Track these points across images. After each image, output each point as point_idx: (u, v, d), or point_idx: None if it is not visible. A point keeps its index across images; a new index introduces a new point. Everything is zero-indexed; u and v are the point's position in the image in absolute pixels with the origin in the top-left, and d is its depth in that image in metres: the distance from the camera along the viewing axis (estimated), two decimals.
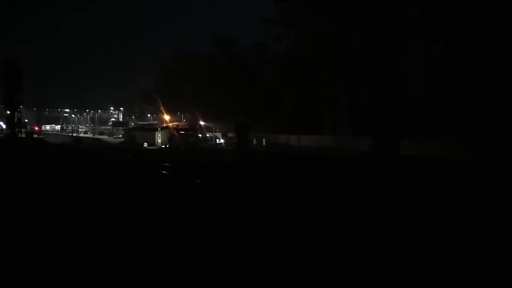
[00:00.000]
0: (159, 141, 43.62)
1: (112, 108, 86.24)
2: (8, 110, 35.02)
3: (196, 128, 46.10)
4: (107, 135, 75.09)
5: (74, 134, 73.97)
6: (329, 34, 42.39)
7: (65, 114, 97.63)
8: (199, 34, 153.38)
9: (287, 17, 48.88)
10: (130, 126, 68.17)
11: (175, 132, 43.13)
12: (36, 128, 79.58)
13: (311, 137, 42.06)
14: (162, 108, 62.94)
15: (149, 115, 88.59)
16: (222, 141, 49.43)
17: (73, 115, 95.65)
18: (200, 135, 45.68)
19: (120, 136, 67.39)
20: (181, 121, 71.86)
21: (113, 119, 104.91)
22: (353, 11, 39.64)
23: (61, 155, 23.56)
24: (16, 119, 36.10)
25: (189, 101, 67.59)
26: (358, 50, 38.97)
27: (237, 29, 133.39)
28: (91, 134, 79.25)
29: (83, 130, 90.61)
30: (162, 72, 76.16)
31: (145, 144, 42.55)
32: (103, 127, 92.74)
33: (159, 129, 43.99)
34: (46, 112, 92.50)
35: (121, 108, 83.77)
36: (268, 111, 54.78)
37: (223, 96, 59.95)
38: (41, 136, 53.84)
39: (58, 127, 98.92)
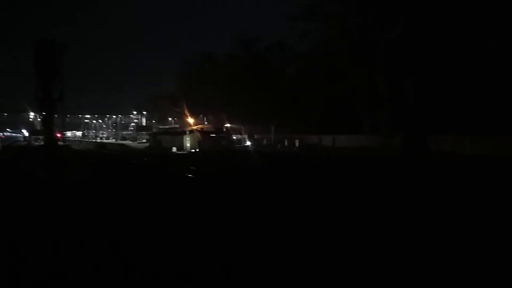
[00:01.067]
0: (188, 145, 41.85)
1: (135, 112, 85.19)
2: (43, 111, 28.97)
3: (223, 131, 44.23)
4: (130, 140, 73.86)
5: (98, 140, 73.06)
6: (365, 27, 40.10)
7: (86, 120, 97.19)
8: (219, 35, 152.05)
9: (315, 12, 46.87)
10: (154, 130, 66.73)
11: (205, 135, 41.20)
12: (59, 135, 79.12)
13: (349, 137, 39.63)
14: (186, 111, 61.45)
15: (170, 118, 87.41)
16: (248, 143, 47.33)
17: (94, 121, 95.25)
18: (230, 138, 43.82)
19: (144, 141, 66.06)
20: (203, 123, 70.34)
21: (134, 124, 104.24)
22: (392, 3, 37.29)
23: (97, 164, 21.90)
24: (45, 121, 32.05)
25: (212, 103, 66.13)
26: (400, 42, 36.55)
27: (255, 29, 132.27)
28: (114, 140, 78.26)
29: (105, 135, 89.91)
30: (183, 74, 74.96)
31: (174, 149, 40.83)
32: (125, 132, 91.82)
33: (187, 132, 42.17)
34: (68, 119, 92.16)
35: (144, 112, 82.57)
36: (294, 111, 52.72)
37: (247, 96, 58.25)
38: (67, 143, 52.50)
39: (79, 133, 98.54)
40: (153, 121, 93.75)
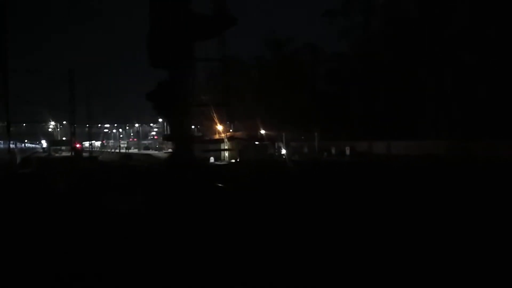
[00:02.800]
0: (226, 154, 37.69)
1: (160, 119, 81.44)
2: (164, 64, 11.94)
3: (268, 138, 39.96)
4: (155, 150, 69.99)
5: (122, 151, 69.37)
6: (422, 18, 35.81)
7: (105, 130, 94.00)
8: (238, 38, 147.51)
9: (355, 6, 43.07)
10: None
11: (247, 143, 36.81)
12: (78, 145, 75.91)
13: (409, 143, 34.94)
14: (215, 117, 57.44)
15: (192, 126, 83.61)
16: (283, 151, 42.87)
17: (114, 130, 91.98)
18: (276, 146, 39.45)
19: (170, 150, 62.10)
20: (228, 130, 66.22)
21: (153, 133, 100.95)
22: None
23: (145, 178, 17.88)
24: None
25: (238, 108, 62.13)
26: (468, 33, 32.08)
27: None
28: (136, 149, 74.61)
29: (125, 145, 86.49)
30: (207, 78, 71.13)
31: (212, 159, 36.69)
32: (147, 142, 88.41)
33: (225, 140, 38.01)
34: (86, 129, 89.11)
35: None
36: (333, 116, 48.51)
37: (277, 100, 54.35)
38: (94, 155, 48.54)
39: (97, 143, 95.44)
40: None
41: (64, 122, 71.88)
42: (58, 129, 75.30)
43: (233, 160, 36.31)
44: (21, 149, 57.95)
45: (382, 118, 40.74)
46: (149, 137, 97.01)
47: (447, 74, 33.49)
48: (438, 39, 33.93)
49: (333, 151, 39.63)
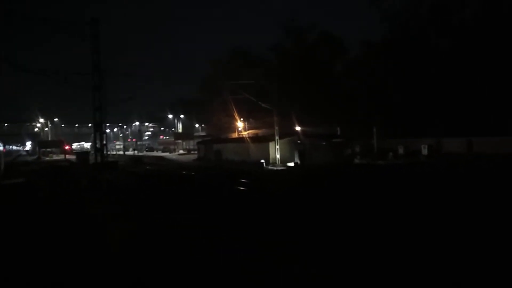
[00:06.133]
0: (278, 156, 30.58)
1: (170, 116, 73.16)
2: None
3: (338, 135, 33.02)
4: (163, 151, 61.66)
5: (127, 152, 60.84)
6: None
7: None
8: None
9: None
10: (203, 138, 54.51)
11: (309, 142, 29.44)
12: (67, 147, 67.40)
13: (497, 140, 28.60)
14: (235, 113, 50.00)
15: (197, 125, 75.78)
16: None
17: (107, 130, 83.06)
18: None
19: (181, 151, 54.43)
20: (244, 129, 59.06)
21: (149, 132, 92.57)
22: None
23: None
24: None
25: (252, 104, 55.08)
26: None
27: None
28: (136, 151, 65.94)
29: (121, 146, 77.97)
30: (210, 75, 63.59)
31: (263, 162, 29.53)
32: (146, 142, 79.89)
33: (276, 138, 30.84)
34: (76, 129, 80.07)
35: (182, 116, 70.42)
36: (382, 109, 42.03)
37: (302, 93, 47.58)
38: (112, 160, 39.54)
39: (87, 144, 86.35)
40: (172, 130, 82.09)
41: (56, 119, 62.96)
42: (46, 129, 66.10)
43: (291, 164, 29.18)
44: (7, 151, 49.22)
45: (453, 112, 34.41)
46: (144, 137, 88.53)
47: None
48: None
49: (400, 150, 33.04)
